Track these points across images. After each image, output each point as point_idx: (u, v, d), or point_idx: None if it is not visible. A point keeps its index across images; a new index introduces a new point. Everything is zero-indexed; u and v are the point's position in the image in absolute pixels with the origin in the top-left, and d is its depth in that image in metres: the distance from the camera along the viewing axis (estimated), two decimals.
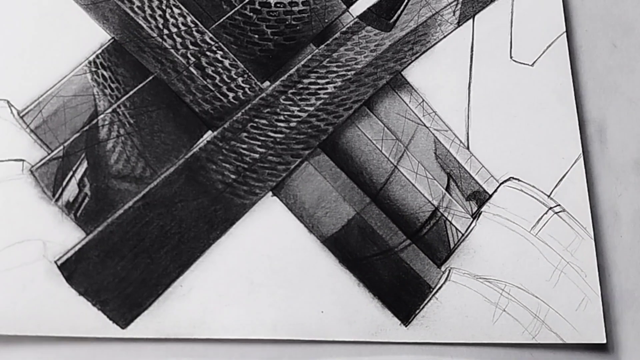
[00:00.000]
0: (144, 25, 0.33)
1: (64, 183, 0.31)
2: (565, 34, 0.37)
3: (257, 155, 0.33)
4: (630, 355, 0.33)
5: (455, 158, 0.35)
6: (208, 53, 0.33)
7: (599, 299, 0.33)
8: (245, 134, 0.33)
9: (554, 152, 0.35)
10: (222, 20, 0.34)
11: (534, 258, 0.33)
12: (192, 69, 0.33)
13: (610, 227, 0.35)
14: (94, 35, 0.32)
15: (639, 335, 0.34)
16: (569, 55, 0.37)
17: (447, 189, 0.34)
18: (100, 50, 0.32)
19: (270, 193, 0.33)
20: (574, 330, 0.32)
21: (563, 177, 0.35)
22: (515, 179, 0.35)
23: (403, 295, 0.32)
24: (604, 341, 0.32)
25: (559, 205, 0.35)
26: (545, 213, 0.34)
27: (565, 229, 0.34)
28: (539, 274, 0.33)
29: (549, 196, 0.35)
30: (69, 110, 0.31)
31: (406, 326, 0.32)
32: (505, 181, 0.35)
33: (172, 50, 0.33)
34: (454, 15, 0.36)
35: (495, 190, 0.34)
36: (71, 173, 0.31)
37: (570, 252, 0.34)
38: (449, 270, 0.33)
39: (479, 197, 0.34)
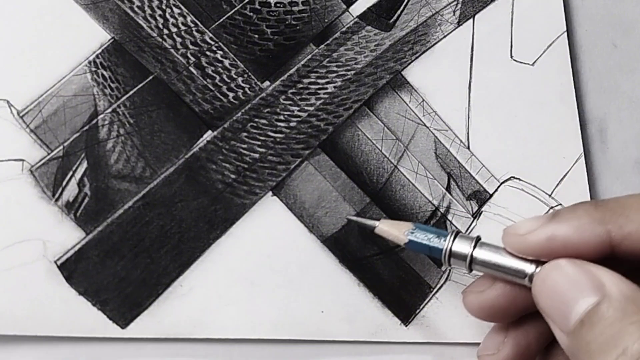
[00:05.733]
0: (144, 25, 0.33)
1: (64, 183, 0.31)
2: (565, 33, 0.37)
3: (257, 155, 0.33)
4: None
5: (455, 158, 0.35)
6: (208, 53, 0.33)
7: None
8: (245, 134, 0.33)
9: (555, 151, 0.35)
10: (222, 20, 0.34)
11: None
12: (192, 69, 0.33)
13: None
14: (94, 35, 0.32)
15: None
16: (570, 55, 0.37)
17: (448, 188, 0.34)
18: (100, 50, 0.32)
19: (270, 193, 0.33)
20: None
21: (564, 176, 0.35)
22: (516, 178, 0.35)
23: (403, 295, 0.32)
24: None
25: (561, 204, 0.35)
26: (546, 213, 0.34)
27: None
28: None
29: (550, 195, 0.35)
30: (69, 110, 0.31)
31: (406, 326, 0.32)
32: (505, 181, 0.35)
33: (172, 50, 0.33)
34: (454, 15, 0.36)
35: (496, 190, 0.35)
36: (71, 173, 0.31)
37: None
38: (449, 270, 0.33)
39: (480, 197, 0.34)
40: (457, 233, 0.28)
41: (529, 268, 0.27)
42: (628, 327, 0.23)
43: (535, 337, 0.29)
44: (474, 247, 0.27)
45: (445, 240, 0.28)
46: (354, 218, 0.32)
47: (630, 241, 0.26)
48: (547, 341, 0.29)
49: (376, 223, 0.30)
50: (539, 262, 0.27)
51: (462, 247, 0.28)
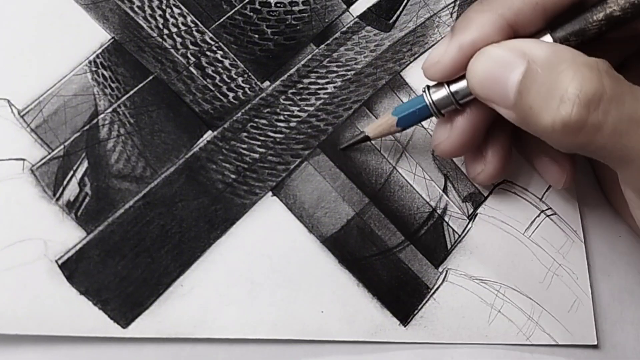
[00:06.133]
0: (144, 25, 0.33)
1: (65, 182, 0.31)
2: None
3: (257, 155, 0.33)
4: (620, 356, 0.34)
5: (452, 159, 0.35)
6: (208, 53, 0.33)
7: (590, 301, 0.34)
8: (245, 134, 0.33)
9: None
10: (222, 20, 0.34)
11: (528, 260, 0.34)
12: (192, 69, 0.33)
13: (600, 229, 0.36)
14: (94, 35, 0.32)
15: (629, 337, 0.34)
16: None
17: (444, 190, 0.35)
18: (100, 50, 0.32)
19: (270, 193, 0.33)
20: (566, 331, 0.33)
21: None
22: (509, 181, 0.35)
23: (402, 295, 0.33)
24: (595, 342, 0.33)
25: (550, 208, 0.35)
26: (538, 216, 0.35)
27: (556, 231, 0.35)
28: (533, 275, 0.34)
29: (540, 199, 0.35)
30: (70, 110, 0.31)
31: (405, 326, 0.32)
32: (499, 184, 0.35)
33: (172, 50, 0.33)
34: (451, 17, 0.37)
35: (490, 193, 0.35)
36: (72, 172, 0.31)
37: (562, 254, 0.34)
38: (446, 271, 0.33)
39: (475, 199, 0.35)
40: (427, 87, 0.31)
41: None
42: (558, 77, 0.25)
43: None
44: (449, 85, 0.30)
45: (424, 99, 0.31)
46: (346, 144, 0.34)
47: (523, 14, 0.28)
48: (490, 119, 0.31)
49: (365, 131, 0.33)
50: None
51: (439, 93, 0.30)
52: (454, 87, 0.30)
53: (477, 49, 0.28)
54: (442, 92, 0.30)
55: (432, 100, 0.30)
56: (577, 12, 0.28)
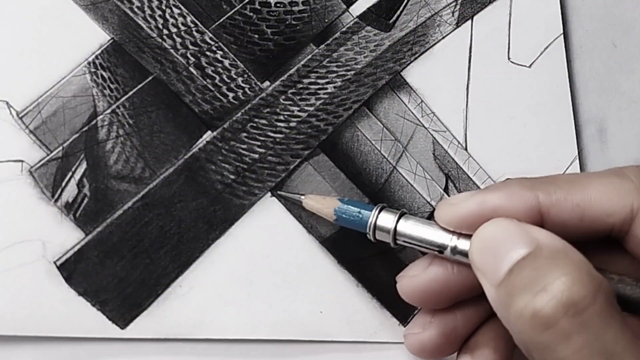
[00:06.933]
0: (144, 26, 0.33)
1: (63, 184, 0.31)
2: (562, 35, 0.37)
3: (256, 156, 0.33)
4: None
5: (453, 159, 0.35)
6: (208, 53, 0.33)
7: None
8: (244, 134, 0.33)
9: (550, 153, 0.36)
10: (222, 20, 0.34)
11: None
12: (191, 69, 0.33)
13: None
14: (94, 36, 0.32)
15: None
16: (569, 56, 0.37)
17: (446, 189, 0.34)
18: (99, 51, 0.32)
19: (269, 193, 0.33)
20: None
21: None
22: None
23: None
24: None
25: None
26: None
27: None
28: None
29: None
30: (68, 111, 0.31)
31: (405, 326, 0.32)
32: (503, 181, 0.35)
33: (172, 50, 0.33)
34: (452, 16, 0.36)
35: None
36: (70, 174, 0.31)
37: None
38: None
39: None
40: (383, 207, 0.29)
41: (451, 241, 0.27)
42: (553, 267, 0.23)
43: (463, 321, 0.29)
44: (398, 220, 0.28)
45: (370, 214, 0.29)
46: (283, 193, 0.32)
47: (559, 208, 0.26)
48: (474, 327, 0.29)
49: (302, 198, 0.31)
50: (463, 235, 0.27)
51: (386, 220, 0.29)
52: (404, 228, 0.28)
53: (496, 214, 0.26)
54: (389, 222, 0.29)
55: (375, 222, 0.29)
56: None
